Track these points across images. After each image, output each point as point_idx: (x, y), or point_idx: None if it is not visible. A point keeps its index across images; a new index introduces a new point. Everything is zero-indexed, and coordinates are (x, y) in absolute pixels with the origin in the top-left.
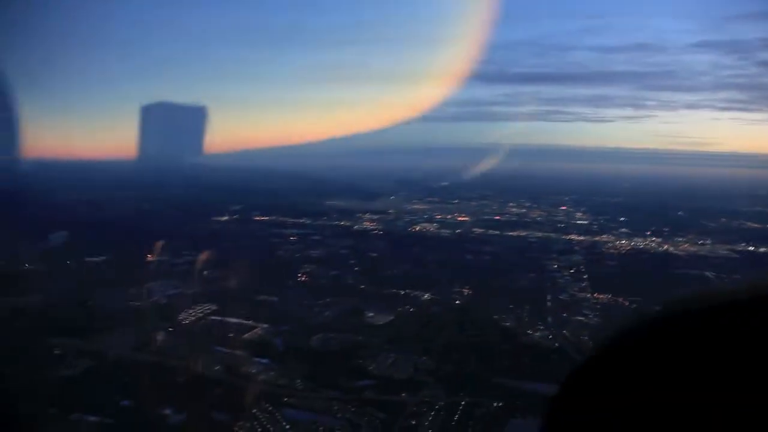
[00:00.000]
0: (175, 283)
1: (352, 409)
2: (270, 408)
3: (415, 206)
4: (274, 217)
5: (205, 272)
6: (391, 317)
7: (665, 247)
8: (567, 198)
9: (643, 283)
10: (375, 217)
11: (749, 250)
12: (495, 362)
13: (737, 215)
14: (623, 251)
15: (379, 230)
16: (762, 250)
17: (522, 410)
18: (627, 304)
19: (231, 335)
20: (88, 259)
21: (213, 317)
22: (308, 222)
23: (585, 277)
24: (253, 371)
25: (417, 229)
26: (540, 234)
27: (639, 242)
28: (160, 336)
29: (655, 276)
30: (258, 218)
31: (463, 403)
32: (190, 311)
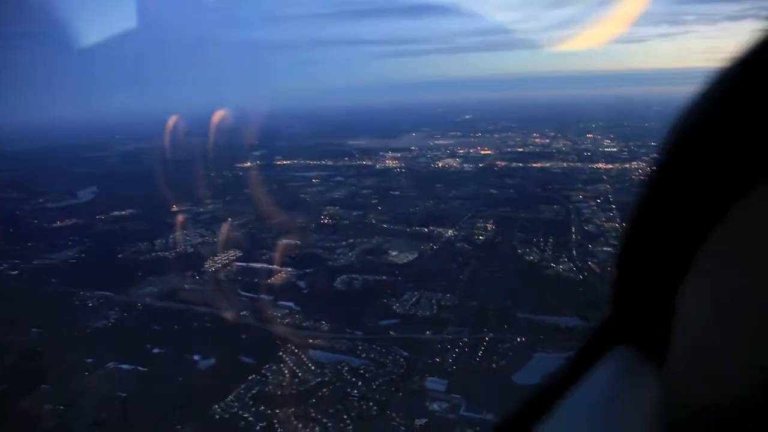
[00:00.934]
0: (200, 231)
1: (377, 349)
2: (296, 350)
3: (438, 141)
4: (296, 161)
5: (228, 219)
6: (415, 255)
7: None
8: (594, 125)
9: None
10: (397, 155)
11: None
12: (518, 297)
13: None
14: None
15: (402, 168)
16: None
17: (546, 344)
18: None
19: (256, 280)
20: (115, 213)
21: (238, 263)
22: (330, 163)
23: (612, 206)
24: (278, 315)
25: (439, 165)
26: (565, 164)
27: None
28: (187, 284)
29: None
30: (280, 162)
31: (486, 339)
32: (216, 258)
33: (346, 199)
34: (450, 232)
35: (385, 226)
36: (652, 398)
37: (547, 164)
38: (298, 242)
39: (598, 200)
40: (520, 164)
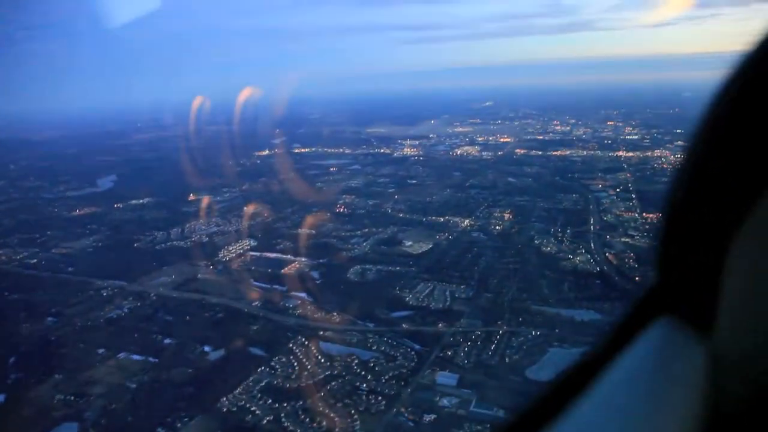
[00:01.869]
0: (216, 220)
1: (388, 341)
2: (306, 342)
3: (457, 129)
4: (314, 149)
5: (244, 209)
6: (429, 246)
7: None
8: (615, 112)
9: None
10: (415, 142)
11: None
12: (534, 289)
13: None
14: None
15: (420, 156)
16: None
17: (561, 338)
18: None
19: (269, 270)
20: (133, 201)
21: (252, 253)
22: (348, 151)
23: (632, 196)
24: (290, 306)
25: (458, 152)
26: (584, 152)
27: None
28: (200, 274)
29: None
30: (298, 150)
31: (500, 332)
32: (230, 248)
33: (362, 187)
34: (466, 221)
35: (401, 215)
36: (700, 369)
37: (567, 152)
38: (313, 232)
39: (618, 189)
40: (540, 152)
